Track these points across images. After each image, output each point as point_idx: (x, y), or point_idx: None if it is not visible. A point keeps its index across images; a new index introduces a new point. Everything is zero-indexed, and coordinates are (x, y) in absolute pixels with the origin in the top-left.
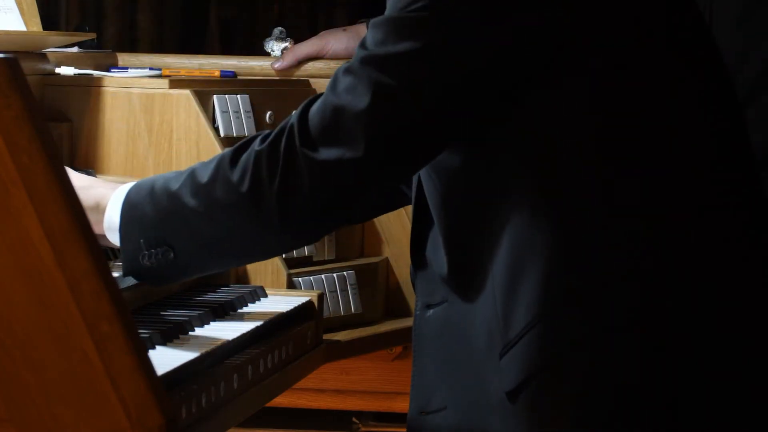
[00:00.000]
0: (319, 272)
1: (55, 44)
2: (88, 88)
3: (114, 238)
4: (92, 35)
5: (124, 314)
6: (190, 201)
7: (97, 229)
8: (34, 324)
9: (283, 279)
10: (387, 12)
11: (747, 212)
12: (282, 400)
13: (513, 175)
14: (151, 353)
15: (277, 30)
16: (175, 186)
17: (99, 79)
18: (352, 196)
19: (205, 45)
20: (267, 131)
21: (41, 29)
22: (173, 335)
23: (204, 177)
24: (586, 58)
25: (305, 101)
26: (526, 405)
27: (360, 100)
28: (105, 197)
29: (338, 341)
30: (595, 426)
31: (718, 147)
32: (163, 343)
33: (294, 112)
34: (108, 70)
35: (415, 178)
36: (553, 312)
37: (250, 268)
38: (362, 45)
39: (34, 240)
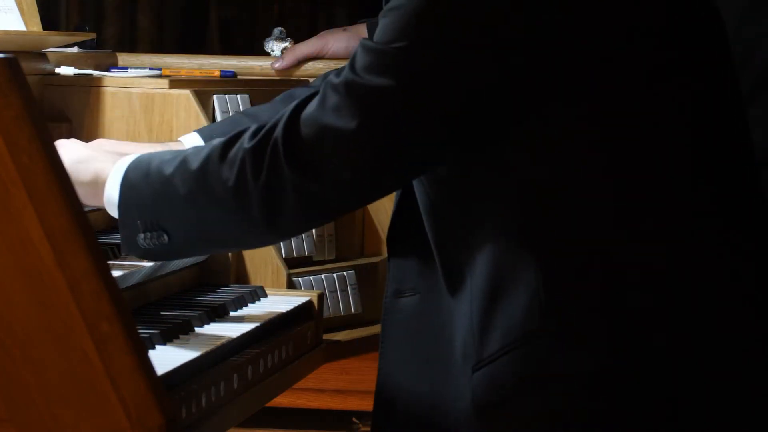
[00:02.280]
0: (319, 272)
1: (55, 44)
2: (88, 88)
3: (113, 212)
4: (92, 35)
5: (124, 314)
6: (181, 188)
7: (95, 202)
8: (34, 324)
9: (283, 279)
10: (375, 37)
11: (747, 213)
12: (282, 400)
13: (503, 201)
14: (151, 353)
15: (277, 30)
16: (168, 170)
17: (99, 79)
18: (332, 213)
19: (205, 45)
20: (258, 125)
21: (41, 29)
22: (173, 335)
23: (194, 164)
24: (577, 86)
25: (295, 104)
26: (491, 425)
27: (346, 125)
28: (104, 171)
29: (338, 341)
30: None
31: (719, 149)
32: (163, 343)
33: (283, 112)
34: (108, 70)
35: None
36: (533, 342)
37: (250, 268)
38: (352, 65)
39: (34, 240)
